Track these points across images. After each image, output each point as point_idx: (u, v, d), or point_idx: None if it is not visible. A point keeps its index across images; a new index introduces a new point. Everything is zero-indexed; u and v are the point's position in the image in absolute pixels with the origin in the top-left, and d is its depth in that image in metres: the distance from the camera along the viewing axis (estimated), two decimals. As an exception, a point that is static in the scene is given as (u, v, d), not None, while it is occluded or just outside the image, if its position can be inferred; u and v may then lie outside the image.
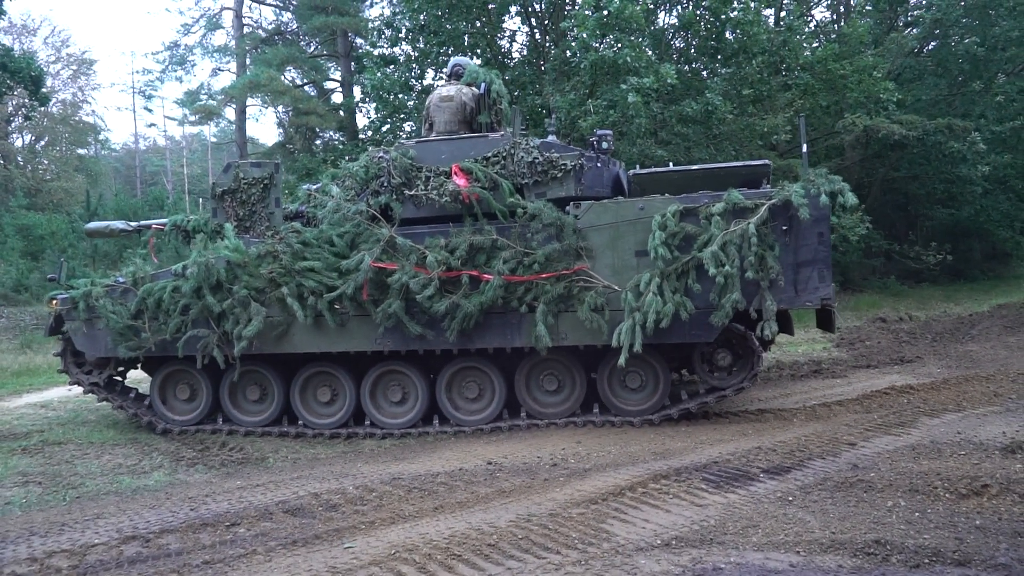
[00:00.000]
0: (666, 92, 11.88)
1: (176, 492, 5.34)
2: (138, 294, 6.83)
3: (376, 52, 15.40)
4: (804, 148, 6.72)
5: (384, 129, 15.94)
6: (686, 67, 13.87)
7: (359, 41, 19.25)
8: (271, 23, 22.75)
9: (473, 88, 7.09)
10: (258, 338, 6.59)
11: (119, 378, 7.57)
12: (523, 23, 15.39)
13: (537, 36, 15.23)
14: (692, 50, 14.05)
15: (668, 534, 3.92)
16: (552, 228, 6.24)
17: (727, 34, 13.05)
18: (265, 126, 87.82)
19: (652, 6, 13.00)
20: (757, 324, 5.98)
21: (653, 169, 7.13)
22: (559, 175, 6.45)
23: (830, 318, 6.36)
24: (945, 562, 3.37)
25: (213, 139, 41.10)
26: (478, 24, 14.52)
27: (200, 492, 5.26)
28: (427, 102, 7.31)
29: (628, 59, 11.36)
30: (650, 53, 12.79)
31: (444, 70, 13.08)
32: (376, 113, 15.88)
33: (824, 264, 5.90)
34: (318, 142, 20.75)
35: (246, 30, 21.30)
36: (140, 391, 7.64)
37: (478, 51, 14.72)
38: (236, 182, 7.04)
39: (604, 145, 6.70)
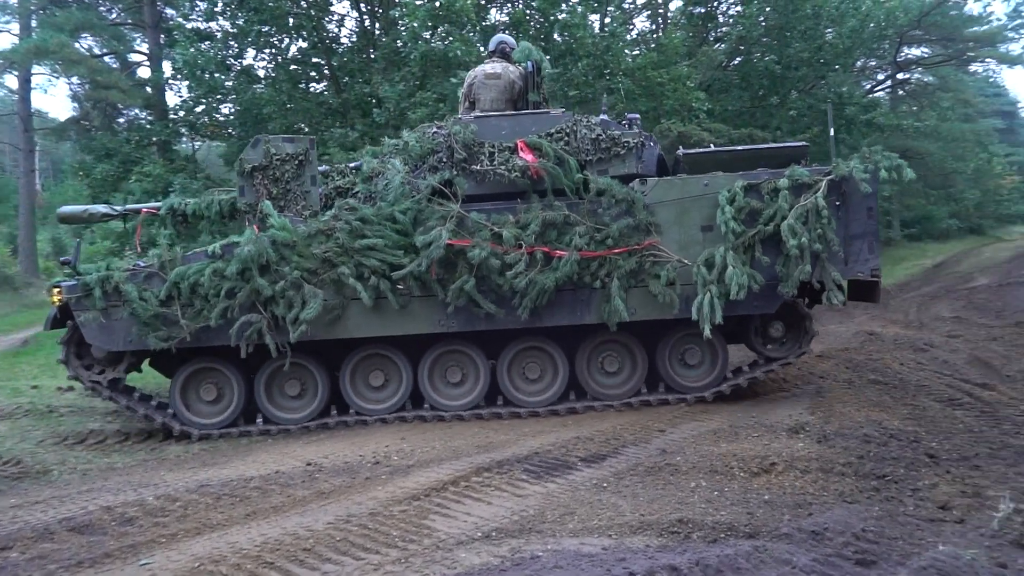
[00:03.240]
0: (496, 88, 12.01)
1: (-68, 515, 4.61)
2: (169, 278, 5.99)
3: (189, 25, 14.27)
4: (832, 132, 7.22)
5: (198, 110, 14.83)
6: (515, 65, 14.10)
7: (169, 11, 17.69)
8: (64, -18, 20.33)
9: (520, 67, 6.94)
10: (310, 324, 6.03)
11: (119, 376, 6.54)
12: (352, 7, 14.95)
13: (367, 23, 14.85)
14: (521, 49, 14.32)
15: (489, 526, 3.94)
16: (623, 204, 6.26)
17: (555, 35, 13.43)
18: (56, 98, 78.74)
19: (483, 2, 13.11)
20: (813, 295, 6.49)
21: (701, 149, 7.37)
22: (622, 152, 6.49)
23: (875, 288, 6.70)
24: (738, 535, 3.65)
25: (-7, 109, 36.27)
26: (304, 4, 13.90)
27: (-37, 514, 4.58)
28: (469, 79, 7.06)
29: (459, 52, 11.37)
30: (480, 48, 12.88)
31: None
32: (189, 92, 14.72)
33: (873, 236, 6.31)
34: (121, 120, 18.80)
35: (33, -12, 18.93)
36: (144, 392, 6.68)
37: (303, 33, 14.09)
38: (267, 158, 6.41)
39: (635, 128, 6.77)
